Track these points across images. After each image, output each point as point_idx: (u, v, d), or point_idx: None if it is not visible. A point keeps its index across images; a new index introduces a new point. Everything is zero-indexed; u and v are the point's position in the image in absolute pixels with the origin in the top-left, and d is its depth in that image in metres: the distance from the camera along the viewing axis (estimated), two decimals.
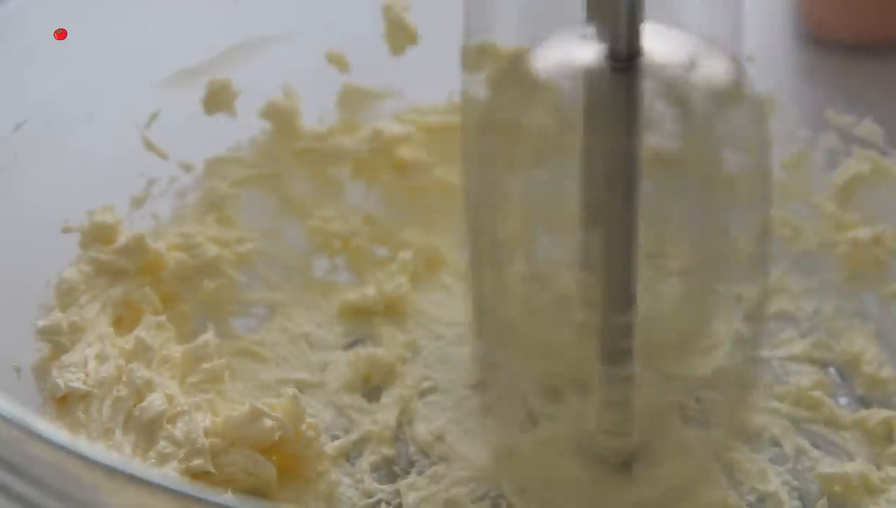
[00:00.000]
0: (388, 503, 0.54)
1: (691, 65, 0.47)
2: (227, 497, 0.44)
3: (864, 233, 0.63)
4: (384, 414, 0.57)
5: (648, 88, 0.46)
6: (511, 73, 0.49)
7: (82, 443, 0.39)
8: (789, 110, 0.67)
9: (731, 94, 0.48)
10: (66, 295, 0.55)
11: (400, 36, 0.66)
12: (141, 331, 0.55)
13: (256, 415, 0.51)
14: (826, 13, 0.74)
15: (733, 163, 0.51)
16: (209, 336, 0.56)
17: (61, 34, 0.58)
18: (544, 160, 0.51)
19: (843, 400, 0.59)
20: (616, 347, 0.50)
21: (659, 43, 0.46)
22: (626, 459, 0.53)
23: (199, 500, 0.36)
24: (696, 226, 0.53)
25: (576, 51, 0.47)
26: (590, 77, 0.46)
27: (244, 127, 0.65)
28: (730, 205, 0.51)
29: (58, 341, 0.53)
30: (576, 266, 0.51)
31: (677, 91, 0.47)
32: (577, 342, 0.52)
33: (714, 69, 0.47)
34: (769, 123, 0.55)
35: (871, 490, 0.53)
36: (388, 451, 0.56)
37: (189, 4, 0.65)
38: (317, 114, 0.67)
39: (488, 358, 0.57)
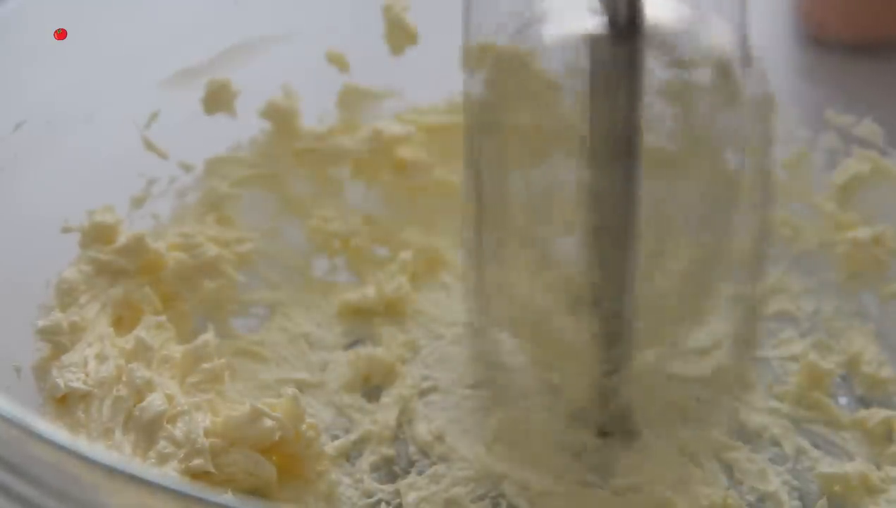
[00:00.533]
0: (388, 503, 0.54)
1: (691, 36, 0.47)
2: (227, 497, 0.44)
3: (863, 233, 0.63)
4: (384, 414, 0.57)
5: (647, 60, 0.46)
6: (512, 54, 0.49)
7: (82, 443, 0.39)
8: (789, 110, 0.67)
9: (728, 82, 0.48)
10: (66, 295, 0.55)
11: (400, 36, 0.66)
12: (141, 331, 0.55)
13: (256, 415, 0.51)
14: (826, 13, 0.74)
15: (731, 156, 0.50)
16: (209, 336, 0.56)
17: (61, 34, 0.58)
18: (546, 145, 0.50)
19: (843, 400, 0.59)
20: (610, 331, 0.50)
21: (660, 13, 0.46)
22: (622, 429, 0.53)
23: (199, 500, 0.36)
24: (693, 220, 0.53)
25: (578, 21, 0.46)
26: (590, 47, 0.46)
27: (244, 127, 0.65)
28: (725, 197, 0.51)
29: (58, 341, 0.53)
30: (577, 249, 0.51)
31: (675, 62, 0.47)
32: (575, 328, 0.52)
33: (715, 45, 0.47)
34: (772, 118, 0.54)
35: (871, 490, 0.53)
36: (388, 451, 0.56)
37: (189, 4, 0.65)
38: (317, 114, 0.67)
39: (488, 355, 0.57)
